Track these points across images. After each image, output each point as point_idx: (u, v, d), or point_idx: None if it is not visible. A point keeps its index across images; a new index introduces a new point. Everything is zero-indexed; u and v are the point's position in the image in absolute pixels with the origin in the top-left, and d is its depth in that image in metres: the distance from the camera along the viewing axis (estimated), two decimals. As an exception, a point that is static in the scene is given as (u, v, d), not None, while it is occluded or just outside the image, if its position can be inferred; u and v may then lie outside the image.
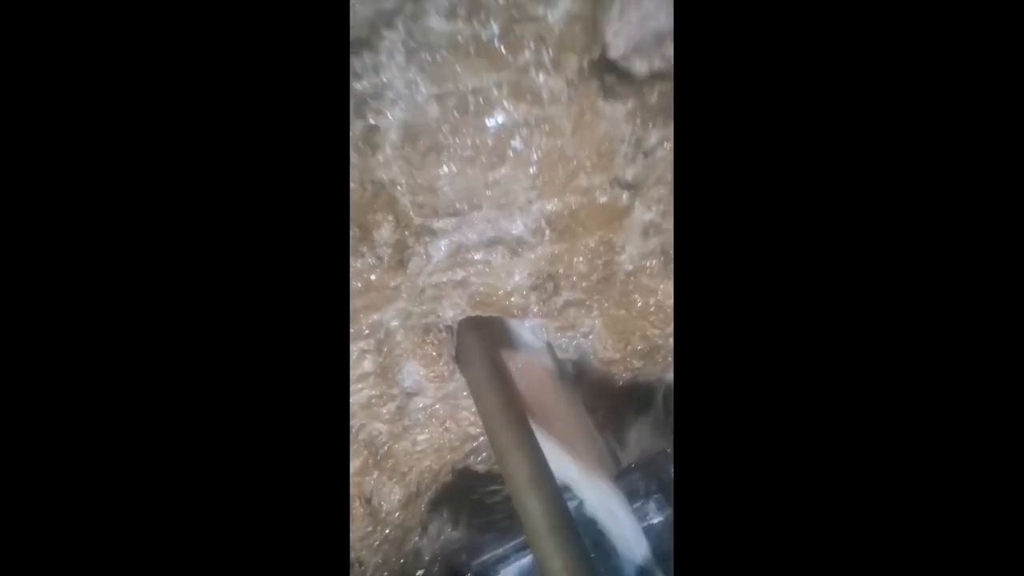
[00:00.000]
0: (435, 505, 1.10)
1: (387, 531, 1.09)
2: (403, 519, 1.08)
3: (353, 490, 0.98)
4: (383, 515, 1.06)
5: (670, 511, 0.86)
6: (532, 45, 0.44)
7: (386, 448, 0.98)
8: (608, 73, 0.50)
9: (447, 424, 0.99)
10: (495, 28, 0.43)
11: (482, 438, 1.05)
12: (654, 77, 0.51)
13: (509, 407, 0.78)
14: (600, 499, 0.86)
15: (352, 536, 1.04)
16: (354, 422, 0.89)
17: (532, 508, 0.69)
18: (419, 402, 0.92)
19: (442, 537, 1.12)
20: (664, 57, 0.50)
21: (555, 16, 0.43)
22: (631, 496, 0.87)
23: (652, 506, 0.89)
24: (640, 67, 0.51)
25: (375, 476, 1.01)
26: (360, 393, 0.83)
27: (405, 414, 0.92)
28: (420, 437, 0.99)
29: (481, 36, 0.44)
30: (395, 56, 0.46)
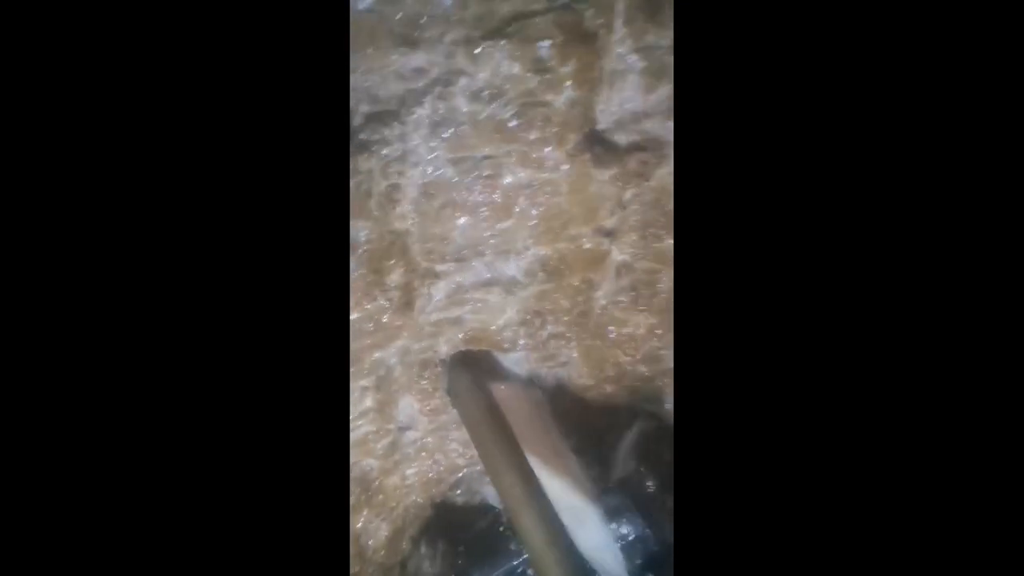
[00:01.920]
0: (415, 540, 1.11)
1: (370, 571, 1.08)
2: (386, 557, 1.08)
3: (342, 529, 0.98)
4: (369, 554, 1.06)
5: (647, 528, 0.92)
6: (540, 124, 0.54)
7: (377, 484, 1.00)
8: (597, 145, 0.60)
9: (436, 456, 1.02)
10: (512, 110, 0.52)
11: (466, 469, 1.09)
12: (632, 148, 0.62)
13: (503, 436, 0.84)
14: (578, 519, 0.92)
15: (338, 578, 1.03)
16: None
17: (530, 528, 0.74)
18: (411, 436, 0.95)
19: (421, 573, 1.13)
20: (640, 131, 0.61)
21: (560, 102, 0.53)
22: (609, 515, 0.93)
23: (629, 525, 0.95)
24: (621, 139, 0.62)
25: (364, 514, 1.02)
26: (359, 430, 0.86)
27: (397, 449, 0.95)
28: (409, 471, 1.02)
29: (499, 115, 0.53)
30: (420, 128, 0.54)
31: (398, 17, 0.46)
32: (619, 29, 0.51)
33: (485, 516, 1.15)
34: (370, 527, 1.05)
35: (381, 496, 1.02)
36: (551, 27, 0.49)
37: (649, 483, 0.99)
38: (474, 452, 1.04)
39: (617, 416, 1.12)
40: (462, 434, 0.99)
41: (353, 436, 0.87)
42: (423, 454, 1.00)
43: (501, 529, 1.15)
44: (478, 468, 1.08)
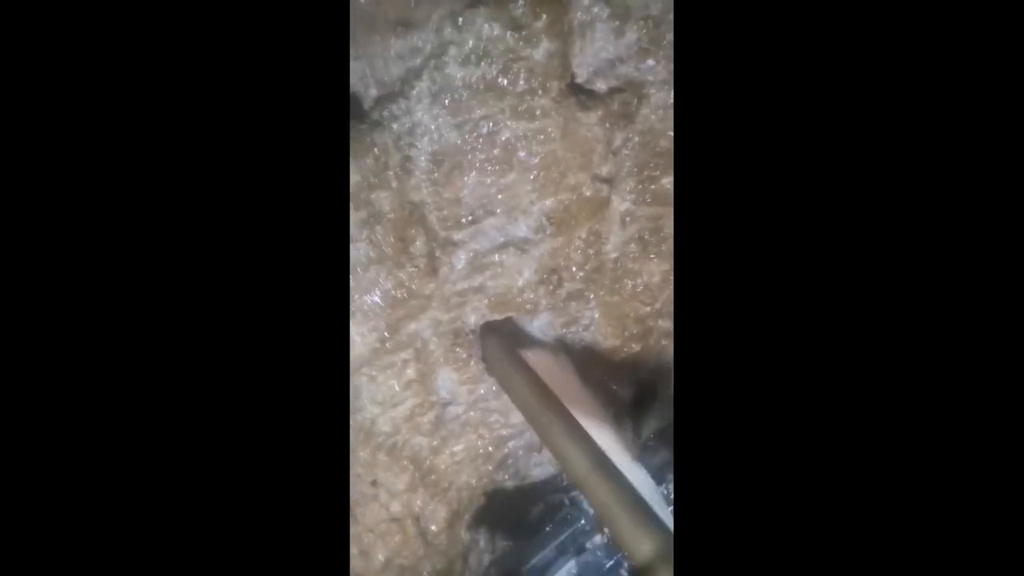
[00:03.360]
0: (473, 529, 1.14)
1: (433, 558, 1.11)
2: (447, 544, 1.11)
3: (403, 509, 1.03)
4: (430, 537, 1.10)
5: None
6: (524, 76, 0.61)
7: (428, 463, 1.04)
8: (580, 93, 0.67)
9: (480, 431, 1.07)
10: (498, 67, 0.60)
11: (511, 443, 1.13)
12: (612, 91, 0.69)
13: (547, 400, 0.87)
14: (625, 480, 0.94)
15: (405, 560, 1.07)
16: (399, 437, 0.96)
17: (597, 485, 0.75)
18: (453, 411, 1.00)
19: (482, 567, 1.15)
20: (617, 76, 0.68)
21: (539, 55, 0.60)
22: (655, 475, 0.93)
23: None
24: (601, 85, 0.68)
25: (420, 494, 1.06)
26: (404, 404, 0.92)
27: (442, 424, 1.00)
28: (456, 448, 1.06)
29: (488, 75, 0.60)
30: (422, 100, 0.62)
31: (392, 4, 0.55)
32: (581, -17, 0.59)
33: (539, 499, 1.18)
34: (427, 510, 1.09)
35: (434, 476, 1.07)
36: (521, -12, 0.57)
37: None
38: (515, 423, 1.08)
39: (649, 373, 1.15)
40: (501, 403, 1.03)
41: (399, 411, 0.93)
42: (467, 429, 1.05)
43: (566, 502, 1.17)
44: (522, 443, 1.12)
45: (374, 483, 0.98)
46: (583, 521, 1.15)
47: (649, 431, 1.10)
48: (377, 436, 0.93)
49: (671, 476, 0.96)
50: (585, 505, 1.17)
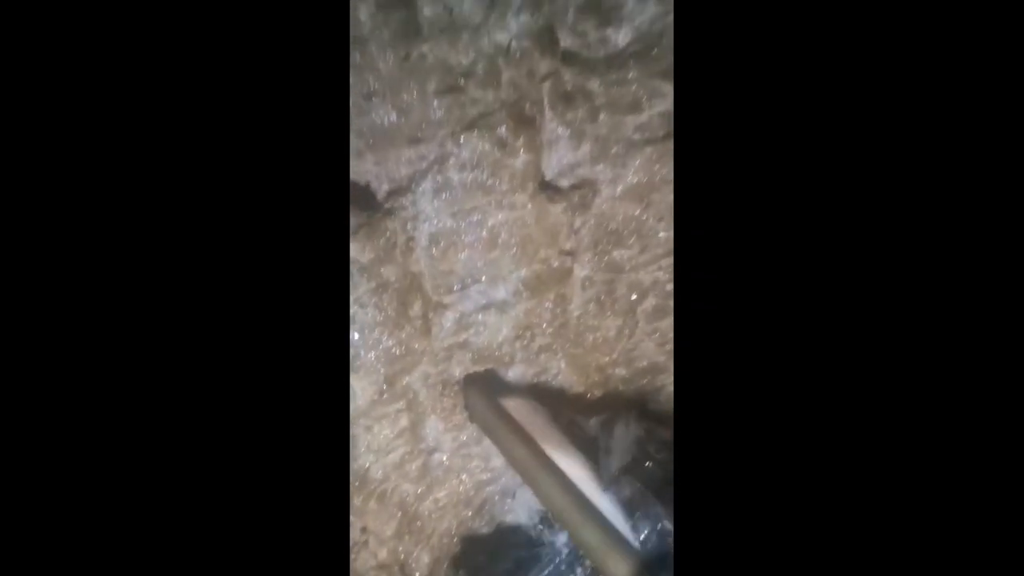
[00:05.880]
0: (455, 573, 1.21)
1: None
2: (429, 592, 1.17)
3: (389, 556, 1.09)
4: (415, 583, 1.16)
5: (663, 523, 1.03)
6: (507, 179, 0.79)
7: (414, 510, 1.12)
8: (548, 189, 0.86)
9: (462, 476, 1.16)
10: (487, 173, 0.78)
11: (488, 488, 1.22)
12: (572, 187, 0.88)
13: (523, 438, 1.00)
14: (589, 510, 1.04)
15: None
16: (388, 484, 1.04)
17: (573, 516, 0.86)
18: (438, 458, 1.10)
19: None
20: (576, 176, 0.88)
21: (518, 163, 0.79)
22: (624, 508, 1.03)
23: (641, 508, 1.05)
24: (564, 183, 0.88)
25: (405, 541, 1.13)
26: (395, 452, 1.01)
27: (428, 471, 1.09)
28: (440, 494, 1.15)
29: (479, 178, 0.78)
30: (426, 195, 0.78)
31: (408, 124, 0.72)
32: (547, 112, 0.79)
33: (516, 541, 1.26)
34: (410, 557, 1.15)
35: (419, 523, 1.14)
36: (505, 118, 0.76)
37: (649, 465, 1.13)
38: (493, 467, 1.19)
39: (610, 416, 1.29)
40: (481, 449, 1.14)
41: (390, 459, 1.02)
42: (450, 475, 1.14)
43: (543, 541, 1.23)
44: (499, 487, 1.22)
45: (364, 530, 1.04)
46: (558, 560, 1.24)
47: (617, 465, 1.23)
48: (369, 484, 1.01)
49: (639, 511, 1.06)
50: (559, 545, 1.27)
